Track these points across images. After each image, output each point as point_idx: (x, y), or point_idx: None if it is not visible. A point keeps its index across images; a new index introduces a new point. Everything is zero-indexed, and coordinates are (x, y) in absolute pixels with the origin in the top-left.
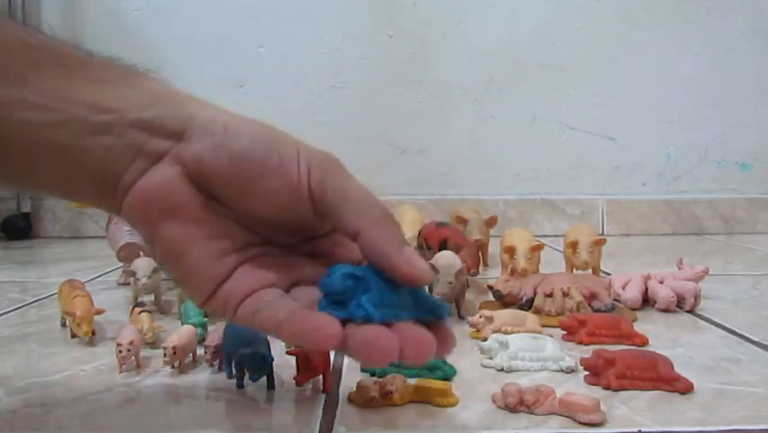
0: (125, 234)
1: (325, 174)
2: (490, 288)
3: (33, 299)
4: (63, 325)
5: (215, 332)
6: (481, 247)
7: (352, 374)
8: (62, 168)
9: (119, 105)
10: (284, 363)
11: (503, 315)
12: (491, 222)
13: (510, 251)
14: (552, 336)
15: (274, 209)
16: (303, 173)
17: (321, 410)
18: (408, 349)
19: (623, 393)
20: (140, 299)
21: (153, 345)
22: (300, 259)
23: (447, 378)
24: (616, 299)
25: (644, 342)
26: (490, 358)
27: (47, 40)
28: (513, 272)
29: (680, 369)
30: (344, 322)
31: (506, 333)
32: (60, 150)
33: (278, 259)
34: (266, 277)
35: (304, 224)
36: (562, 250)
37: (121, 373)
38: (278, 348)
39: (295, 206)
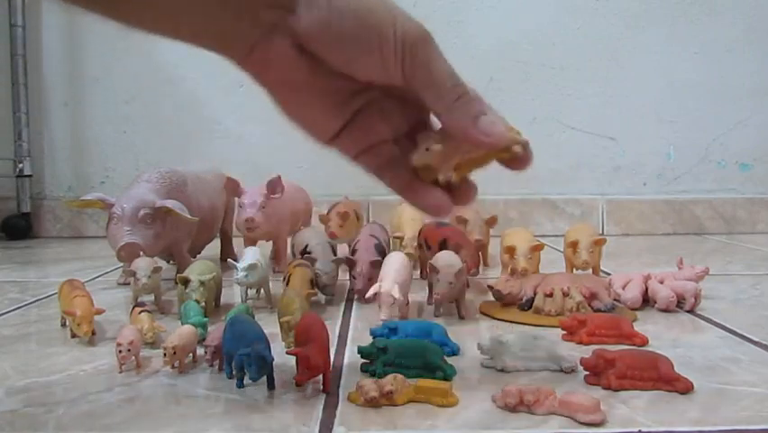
0: (125, 234)
1: (414, 57)
2: (490, 288)
3: (33, 299)
4: (63, 325)
5: (215, 332)
6: (481, 247)
7: (352, 374)
8: (201, 28)
9: None
10: (284, 364)
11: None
12: (491, 222)
13: (510, 251)
14: (552, 337)
15: (372, 77)
16: (398, 56)
17: (321, 410)
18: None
19: (623, 393)
20: (140, 299)
21: (153, 345)
22: (400, 106)
23: (447, 378)
24: (616, 299)
25: (644, 342)
26: (490, 358)
27: None
28: (513, 272)
29: (680, 369)
30: None
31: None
32: (200, 19)
33: (383, 105)
34: (376, 133)
35: (397, 86)
36: (562, 250)
37: (121, 373)
38: (278, 348)
39: (389, 78)
